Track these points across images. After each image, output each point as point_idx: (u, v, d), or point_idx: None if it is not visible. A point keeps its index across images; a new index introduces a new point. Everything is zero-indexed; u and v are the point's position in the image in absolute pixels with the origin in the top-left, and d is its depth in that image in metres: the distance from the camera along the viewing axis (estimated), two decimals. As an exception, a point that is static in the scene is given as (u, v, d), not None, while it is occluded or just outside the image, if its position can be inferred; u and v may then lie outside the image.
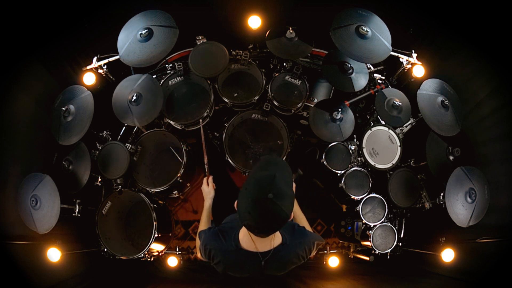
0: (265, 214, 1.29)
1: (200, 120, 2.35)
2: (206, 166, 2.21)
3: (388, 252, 2.67)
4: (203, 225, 1.94)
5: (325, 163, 2.67)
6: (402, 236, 2.93)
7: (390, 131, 2.69)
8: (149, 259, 2.79)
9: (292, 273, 1.69)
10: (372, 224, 2.67)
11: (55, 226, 2.24)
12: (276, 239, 1.56)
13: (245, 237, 1.54)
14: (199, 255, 1.77)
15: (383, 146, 2.67)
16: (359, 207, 2.68)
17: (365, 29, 2.32)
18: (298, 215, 1.91)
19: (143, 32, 2.39)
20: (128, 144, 2.63)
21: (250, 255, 1.55)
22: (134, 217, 2.84)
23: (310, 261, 1.74)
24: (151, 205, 2.61)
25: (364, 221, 2.67)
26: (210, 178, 2.10)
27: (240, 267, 1.63)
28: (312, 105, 2.74)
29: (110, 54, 2.57)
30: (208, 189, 2.07)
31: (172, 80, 2.74)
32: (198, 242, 1.76)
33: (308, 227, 1.83)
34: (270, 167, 1.37)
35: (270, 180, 1.29)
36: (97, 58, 2.59)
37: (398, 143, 2.67)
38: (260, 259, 1.55)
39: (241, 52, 2.77)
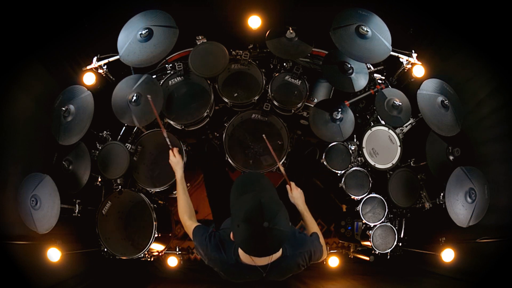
0: (266, 242, 1.28)
1: (148, 96, 2.30)
2: (167, 139, 2.20)
3: (388, 252, 2.67)
4: (181, 197, 1.96)
5: (325, 163, 2.67)
6: (402, 236, 2.93)
7: (390, 131, 2.69)
8: (149, 259, 2.79)
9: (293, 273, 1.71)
10: (372, 224, 2.67)
11: (55, 226, 2.24)
12: (276, 253, 1.55)
13: (245, 254, 1.51)
14: (187, 231, 1.79)
15: (383, 146, 2.67)
16: (359, 207, 2.68)
17: (365, 29, 2.32)
18: (309, 220, 1.90)
19: (143, 32, 2.38)
20: (128, 144, 2.63)
21: (251, 268, 1.56)
22: (134, 217, 2.84)
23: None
24: (151, 205, 2.61)
25: (364, 221, 2.67)
26: (175, 149, 2.13)
27: (241, 277, 1.64)
28: (312, 105, 2.74)
29: (110, 54, 2.56)
30: (176, 159, 2.09)
31: (172, 80, 2.74)
32: (188, 223, 1.79)
33: (317, 231, 1.83)
34: (250, 192, 1.36)
35: (258, 208, 1.27)
36: (97, 58, 2.59)
37: (398, 143, 2.67)
38: (262, 272, 1.56)
39: (241, 52, 2.76)
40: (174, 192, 3.00)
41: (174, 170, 2.10)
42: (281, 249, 1.56)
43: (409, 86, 2.81)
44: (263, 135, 2.13)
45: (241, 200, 1.35)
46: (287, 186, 2.00)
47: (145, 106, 2.44)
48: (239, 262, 1.55)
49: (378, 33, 2.37)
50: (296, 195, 1.97)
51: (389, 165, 2.63)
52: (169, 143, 2.20)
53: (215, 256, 1.59)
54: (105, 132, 2.70)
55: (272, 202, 1.32)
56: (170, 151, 2.13)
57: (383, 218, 2.67)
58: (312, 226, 1.88)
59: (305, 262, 1.63)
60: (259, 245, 1.29)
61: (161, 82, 2.68)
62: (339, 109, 2.54)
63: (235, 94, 2.74)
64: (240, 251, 1.54)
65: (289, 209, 1.42)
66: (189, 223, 1.83)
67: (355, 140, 2.77)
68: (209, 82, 2.68)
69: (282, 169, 2.07)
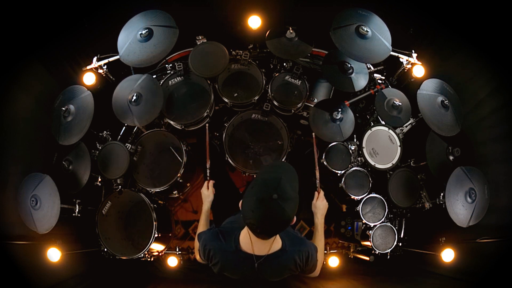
0: (268, 213, 1.31)
1: (207, 125, 2.38)
2: (208, 170, 2.22)
3: (388, 252, 2.67)
4: (202, 228, 1.95)
5: (325, 163, 2.67)
6: (402, 236, 2.93)
7: (390, 131, 2.69)
8: (149, 259, 2.79)
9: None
10: (372, 224, 2.67)
11: (55, 226, 2.24)
12: (276, 243, 1.56)
13: (245, 239, 1.54)
14: (198, 257, 1.77)
15: (383, 146, 2.67)
16: (359, 207, 2.68)
17: (365, 29, 2.32)
18: (319, 234, 1.90)
19: (143, 32, 2.38)
20: (128, 144, 2.63)
21: (247, 257, 1.56)
22: (134, 217, 2.84)
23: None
24: (151, 205, 2.61)
25: (364, 221, 2.67)
26: (211, 183, 2.12)
27: (236, 268, 1.64)
28: (312, 105, 2.74)
29: (110, 54, 2.56)
30: (207, 193, 2.08)
31: (172, 80, 2.74)
32: (197, 244, 1.76)
33: (321, 247, 1.84)
34: (278, 170, 1.41)
35: (276, 181, 1.32)
36: (97, 58, 2.59)
37: (398, 143, 2.67)
38: (254, 261, 1.56)
39: (241, 52, 2.76)
40: (174, 192, 3.00)
41: (203, 201, 2.09)
42: (280, 242, 1.57)
43: (409, 86, 2.81)
44: (313, 134, 2.24)
45: (265, 173, 1.41)
46: (316, 192, 2.00)
47: (145, 106, 2.44)
48: (238, 249, 1.56)
49: (378, 33, 2.37)
50: (320, 205, 1.96)
51: (389, 165, 2.63)
52: (208, 174, 2.21)
53: (212, 245, 1.60)
54: (105, 132, 2.70)
55: (289, 186, 1.35)
56: (206, 182, 2.11)
57: (383, 218, 2.67)
58: (319, 244, 1.87)
59: (302, 262, 1.63)
60: (261, 214, 1.31)
61: (161, 82, 2.68)
62: (339, 109, 2.54)
63: (235, 94, 2.74)
64: (241, 237, 1.55)
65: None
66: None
67: (355, 140, 2.77)
68: (209, 82, 2.68)
69: (317, 174, 2.09)
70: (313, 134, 2.29)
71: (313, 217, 1.97)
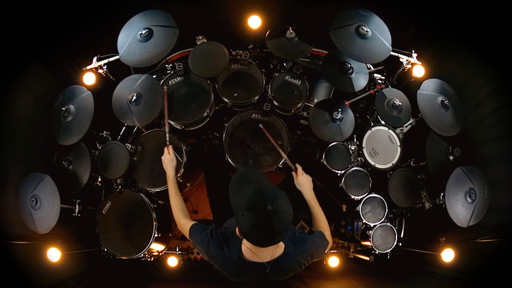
0: (273, 225, 1.28)
1: (165, 87, 2.36)
2: (167, 134, 2.17)
3: (388, 252, 2.67)
4: (173, 198, 1.95)
5: (325, 163, 2.67)
6: (402, 236, 2.93)
7: (390, 131, 2.69)
8: (149, 259, 2.79)
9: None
10: (372, 224, 2.67)
11: (55, 226, 2.24)
12: (279, 248, 1.56)
13: (248, 248, 1.53)
14: (181, 229, 1.79)
15: (383, 146, 2.67)
16: (359, 207, 2.68)
17: (365, 29, 2.32)
18: (316, 210, 1.89)
19: (143, 32, 2.38)
20: (128, 144, 2.63)
21: (253, 264, 1.55)
22: (134, 217, 2.84)
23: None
24: (151, 205, 2.61)
25: (364, 221, 2.67)
26: (170, 147, 2.10)
27: (242, 275, 1.63)
28: (312, 105, 2.74)
29: (110, 54, 2.56)
30: (169, 157, 2.05)
31: (172, 80, 2.74)
32: (182, 221, 1.77)
33: (324, 224, 1.83)
34: (245, 182, 1.40)
35: (259, 194, 1.30)
36: (97, 58, 2.59)
37: (398, 143, 2.67)
38: (266, 267, 1.55)
39: (241, 52, 2.76)
40: (174, 192, 2.99)
41: (165, 168, 2.06)
42: (283, 247, 1.56)
43: (409, 86, 2.81)
44: (260, 125, 2.11)
45: (241, 193, 1.37)
46: (293, 172, 1.95)
47: (145, 106, 2.44)
48: (241, 258, 1.55)
49: (378, 33, 2.37)
50: (302, 180, 1.91)
51: (389, 165, 2.63)
52: (167, 139, 2.18)
53: (216, 253, 1.58)
54: (105, 132, 2.70)
55: (270, 188, 1.34)
56: (166, 148, 2.10)
57: (383, 218, 2.67)
58: (320, 217, 1.86)
59: (306, 261, 1.63)
60: (266, 230, 1.29)
61: (161, 82, 2.67)
62: (339, 109, 2.54)
63: (235, 94, 2.74)
64: (243, 247, 1.54)
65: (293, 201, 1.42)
66: (184, 222, 1.82)
67: (355, 140, 2.77)
68: (209, 82, 2.68)
69: (284, 154, 2.02)
70: (260, 125, 2.22)
71: (304, 197, 1.93)
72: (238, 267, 1.58)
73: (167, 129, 2.18)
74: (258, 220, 1.28)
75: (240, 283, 1.82)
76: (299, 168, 1.96)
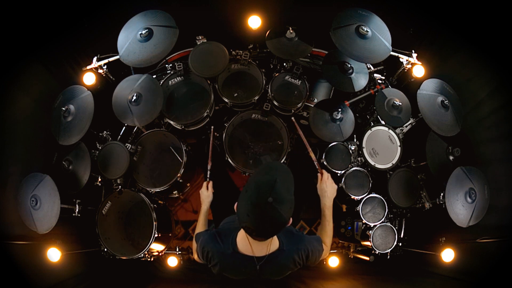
0: (263, 217, 1.29)
1: (212, 127, 2.43)
2: (208, 172, 2.23)
3: (388, 252, 2.67)
4: (200, 228, 1.94)
5: (325, 163, 2.67)
6: (402, 236, 2.93)
7: (390, 131, 2.69)
8: (149, 259, 2.79)
9: (292, 273, 1.70)
10: (372, 224, 2.67)
11: (55, 226, 2.24)
12: (273, 244, 1.56)
13: (242, 240, 1.54)
14: (196, 257, 1.77)
15: (383, 146, 2.67)
16: (359, 207, 2.68)
17: (365, 29, 2.32)
18: (326, 220, 1.87)
19: (143, 32, 2.39)
20: (128, 144, 2.63)
21: (247, 259, 1.55)
22: (134, 217, 2.84)
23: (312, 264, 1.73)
24: (151, 205, 2.61)
25: (364, 221, 2.67)
26: (210, 183, 2.12)
27: (236, 270, 1.63)
28: (312, 105, 2.74)
29: (110, 54, 2.56)
30: (207, 193, 2.08)
31: (172, 80, 2.74)
32: (194, 245, 1.75)
33: (328, 234, 1.83)
34: (272, 172, 1.38)
35: (271, 184, 1.29)
36: (97, 58, 2.59)
37: (398, 143, 2.67)
38: (256, 263, 1.55)
39: (241, 52, 2.76)
40: (174, 192, 3.00)
41: (202, 202, 2.08)
42: (278, 242, 1.56)
43: (409, 86, 2.81)
44: (292, 118, 2.17)
45: (259, 175, 1.37)
46: (318, 174, 1.91)
47: (145, 106, 2.44)
48: (236, 251, 1.55)
49: (378, 33, 2.37)
50: (325, 188, 1.86)
51: (389, 165, 2.63)
52: (208, 175, 2.23)
53: (211, 246, 1.59)
54: (105, 132, 2.70)
55: (285, 189, 1.32)
56: (205, 183, 2.12)
57: (383, 218, 2.67)
58: (327, 229, 1.85)
59: (301, 260, 1.62)
60: (257, 218, 1.29)
61: (161, 82, 2.68)
62: (339, 109, 2.54)
63: (235, 94, 2.74)
64: (238, 238, 1.55)
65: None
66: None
67: (355, 140, 2.77)
68: (209, 82, 2.68)
69: (312, 155, 2.00)
70: (292, 118, 2.23)
71: (321, 202, 1.89)
72: (232, 261, 1.58)
73: (209, 167, 2.23)
74: (255, 203, 1.29)
75: (240, 283, 1.82)
76: (327, 174, 1.91)
